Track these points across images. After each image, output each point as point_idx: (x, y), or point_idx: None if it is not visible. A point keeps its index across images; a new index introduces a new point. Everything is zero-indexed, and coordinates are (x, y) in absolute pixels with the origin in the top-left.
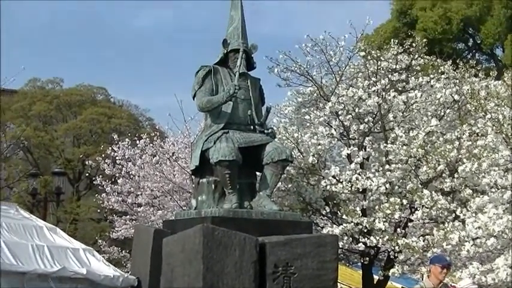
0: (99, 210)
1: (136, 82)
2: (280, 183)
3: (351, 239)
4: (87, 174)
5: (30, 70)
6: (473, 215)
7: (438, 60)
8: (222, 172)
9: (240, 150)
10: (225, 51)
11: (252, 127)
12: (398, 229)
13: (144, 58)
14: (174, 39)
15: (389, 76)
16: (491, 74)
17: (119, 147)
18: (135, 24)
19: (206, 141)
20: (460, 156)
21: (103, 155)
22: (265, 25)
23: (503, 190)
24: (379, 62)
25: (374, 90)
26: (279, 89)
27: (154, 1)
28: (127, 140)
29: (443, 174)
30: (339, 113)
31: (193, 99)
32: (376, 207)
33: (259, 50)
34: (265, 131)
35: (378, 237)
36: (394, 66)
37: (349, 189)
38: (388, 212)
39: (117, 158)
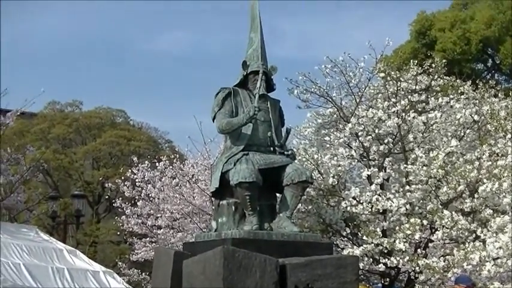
0: (118, 233)
1: (155, 104)
2: (300, 204)
3: (371, 259)
4: (106, 197)
5: (49, 93)
6: (494, 235)
7: (458, 80)
8: (242, 194)
9: (260, 172)
10: (245, 73)
11: (272, 149)
12: (418, 250)
13: (163, 80)
14: (193, 60)
15: (409, 97)
16: (510, 94)
17: (138, 170)
18: (154, 46)
19: (226, 163)
20: (480, 176)
21: (122, 178)
22: (284, 47)
23: None
24: (398, 83)
25: (394, 111)
26: (298, 110)
27: (173, 23)
28: (146, 162)
29: (464, 195)
30: (359, 134)
31: (213, 121)
32: (397, 228)
33: (279, 71)
34: (285, 153)
35: (398, 258)
36: (414, 87)
37: (370, 210)
38: (409, 232)
39: (136, 180)
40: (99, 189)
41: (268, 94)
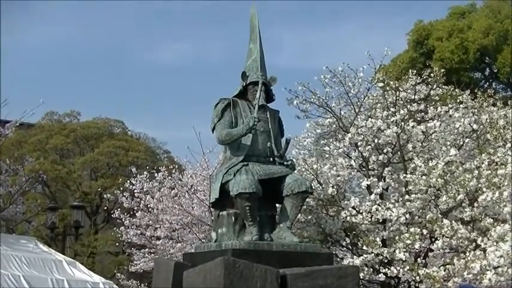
0: (117, 244)
1: (153, 115)
2: (300, 214)
3: (371, 269)
4: (105, 208)
5: (47, 103)
6: (495, 243)
7: (456, 90)
8: (242, 204)
9: (260, 183)
10: (244, 83)
11: (271, 159)
12: (418, 259)
13: (161, 91)
14: (192, 71)
15: (408, 106)
16: (509, 102)
17: (137, 180)
18: (153, 56)
19: (226, 174)
20: (479, 185)
21: (121, 188)
22: (283, 57)
23: None
24: (397, 93)
25: (393, 121)
26: (298, 120)
27: (172, 33)
28: (145, 172)
29: (463, 204)
30: (358, 144)
31: (213, 132)
32: (397, 237)
33: (278, 81)
34: (285, 163)
35: (398, 268)
36: (413, 97)
37: (369, 220)
38: (409, 242)
39: (135, 191)
40: (97, 199)
41: (268, 104)
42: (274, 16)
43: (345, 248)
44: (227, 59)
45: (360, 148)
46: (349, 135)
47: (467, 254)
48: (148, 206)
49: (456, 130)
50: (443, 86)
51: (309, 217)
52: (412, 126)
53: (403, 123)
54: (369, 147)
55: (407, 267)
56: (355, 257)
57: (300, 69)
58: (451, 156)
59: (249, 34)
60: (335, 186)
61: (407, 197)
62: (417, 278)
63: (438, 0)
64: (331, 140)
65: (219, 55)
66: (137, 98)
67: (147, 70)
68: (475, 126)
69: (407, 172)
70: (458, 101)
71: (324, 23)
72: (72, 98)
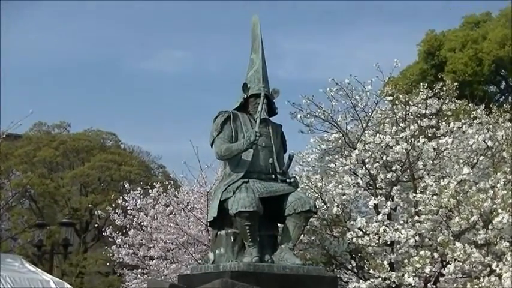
0: (107, 263)
1: (147, 127)
2: (303, 235)
3: None
4: (95, 225)
5: (35, 113)
6: (510, 269)
7: (470, 104)
8: (242, 224)
9: (261, 201)
10: (245, 96)
11: (273, 176)
12: (429, 284)
13: (157, 101)
14: (190, 81)
15: (419, 121)
16: None
17: (130, 197)
18: (148, 65)
19: (225, 191)
20: (494, 206)
21: (113, 205)
22: (286, 68)
23: None
24: (407, 107)
25: (402, 137)
26: (301, 135)
27: (171, 41)
28: (139, 188)
29: (477, 226)
30: (366, 161)
31: (211, 147)
32: (405, 260)
33: (281, 94)
34: (288, 180)
35: None
36: (424, 111)
37: (376, 241)
38: (418, 266)
39: (128, 207)
40: (87, 216)
41: (270, 118)
42: (276, 24)
43: (350, 272)
44: (228, 69)
45: (367, 165)
46: (356, 151)
47: (481, 279)
48: (142, 224)
49: (470, 147)
50: (456, 100)
51: (313, 238)
52: (423, 143)
53: (413, 140)
54: (377, 164)
55: None
56: (361, 281)
57: (304, 81)
58: (464, 175)
59: (250, 44)
60: (340, 206)
61: (417, 217)
62: None
63: (451, 9)
64: (336, 156)
65: (219, 64)
66: (131, 109)
67: (143, 79)
68: (489, 143)
69: (418, 191)
70: (472, 116)
71: (329, 31)
72: (62, 108)
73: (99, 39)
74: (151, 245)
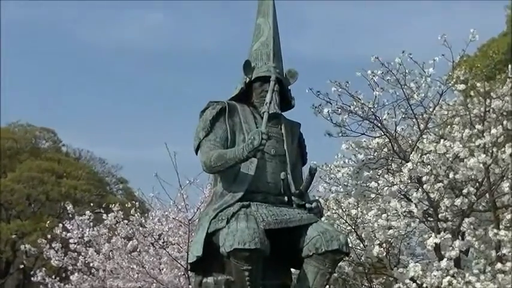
0: None
1: (102, 124)
2: (328, 286)
3: None
4: (20, 266)
5: None
6: None
7: None
8: (239, 268)
9: (268, 234)
10: (247, 79)
11: (286, 198)
12: None
13: (117, 87)
14: (167, 56)
15: (504, 122)
16: None
17: (73, 224)
18: (107, 34)
19: (215, 219)
20: None
21: (48, 236)
22: (307, 41)
23: None
24: (487, 101)
25: (479, 145)
26: (329, 139)
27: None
28: (87, 213)
29: None
30: (423, 179)
31: (196, 153)
32: None
33: (300, 78)
34: (307, 205)
35: None
36: None
37: None
38: None
39: (70, 240)
40: (9, 252)
41: (283, 113)
42: None
43: None
44: (224, 41)
45: (425, 186)
46: (409, 165)
47: None
48: (91, 265)
49: None
50: None
51: None
52: (510, 154)
53: (494, 149)
54: (440, 185)
55: None
56: None
57: (333, 60)
58: None
59: (257, 4)
60: (385, 245)
61: (499, 265)
62: None
63: None
64: (380, 171)
65: (212, 34)
66: (79, 96)
67: (98, 52)
68: None
69: (501, 226)
70: None
71: None
72: None
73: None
74: None
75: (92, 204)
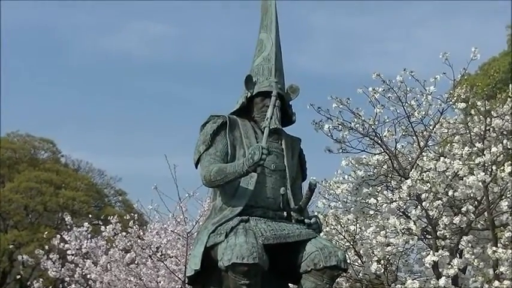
0: None
1: (101, 134)
2: None
3: None
4: (17, 276)
5: None
6: None
7: None
8: (238, 282)
9: (267, 249)
10: (249, 93)
11: (285, 214)
12: None
13: (117, 97)
14: (168, 69)
15: (504, 141)
16: None
17: (71, 236)
18: (107, 43)
19: (214, 234)
20: None
21: (46, 247)
22: (310, 56)
23: None
24: (488, 119)
25: (479, 163)
26: (329, 155)
27: (142, 9)
28: (86, 224)
29: None
30: (422, 196)
31: (196, 167)
32: None
33: (301, 93)
34: (306, 221)
35: None
36: None
37: None
38: None
39: (68, 252)
40: (5, 262)
41: (284, 129)
42: None
43: None
44: (227, 55)
45: (424, 203)
46: (409, 182)
47: None
48: (88, 276)
49: None
50: None
51: None
52: (509, 173)
53: (494, 168)
54: (439, 202)
55: None
56: None
57: (336, 76)
58: None
59: (260, 17)
60: (382, 261)
61: (497, 283)
62: None
63: None
64: (379, 188)
65: (214, 47)
66: (79, 107)
67: (99, 63)
68: None
69: (499, 245)
70: None
71: (375, 3)
72: None
73: (41, 12)
74: None
75: (90, 215)
